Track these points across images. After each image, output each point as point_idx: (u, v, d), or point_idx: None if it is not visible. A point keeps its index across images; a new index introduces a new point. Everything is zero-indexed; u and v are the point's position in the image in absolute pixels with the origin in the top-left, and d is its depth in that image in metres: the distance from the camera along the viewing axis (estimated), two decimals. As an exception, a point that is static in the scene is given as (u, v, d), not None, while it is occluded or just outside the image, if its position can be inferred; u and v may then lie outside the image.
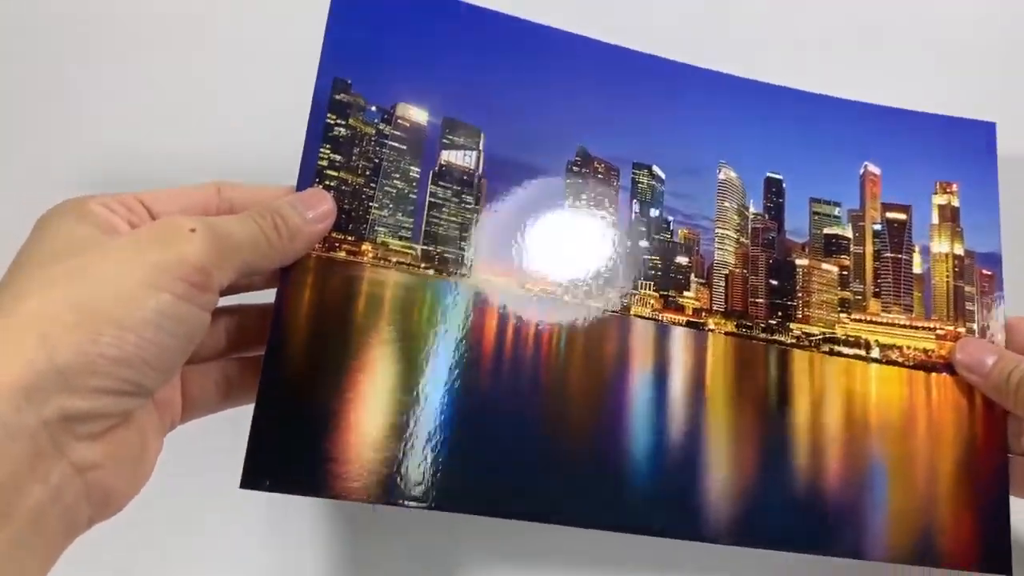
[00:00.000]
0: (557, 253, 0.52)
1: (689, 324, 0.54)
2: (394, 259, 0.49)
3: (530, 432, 0.49)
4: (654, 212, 0.56)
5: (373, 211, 0.49)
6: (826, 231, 0.59)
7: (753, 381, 0.54)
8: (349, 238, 0.48)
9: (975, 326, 0.58)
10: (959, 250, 0.59)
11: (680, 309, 0.55)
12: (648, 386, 0.52)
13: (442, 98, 0.52)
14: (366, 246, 0.49)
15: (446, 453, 0.46)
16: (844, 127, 0.59)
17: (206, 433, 0.47)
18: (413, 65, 0.52)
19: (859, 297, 0.58)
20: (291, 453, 0.44)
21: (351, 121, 0.50)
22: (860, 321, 0.57)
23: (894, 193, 0.59)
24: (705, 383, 0.53)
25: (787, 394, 0.54)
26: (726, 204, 0.56)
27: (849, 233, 0.59)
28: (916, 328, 0.58)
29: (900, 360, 0.57)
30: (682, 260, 0.56)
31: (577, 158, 0.54)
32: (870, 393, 0.56)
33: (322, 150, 0.48)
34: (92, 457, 0.35)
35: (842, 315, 0.57)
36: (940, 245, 0.59)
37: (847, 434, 0.54)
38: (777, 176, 0.58)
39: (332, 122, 0.49)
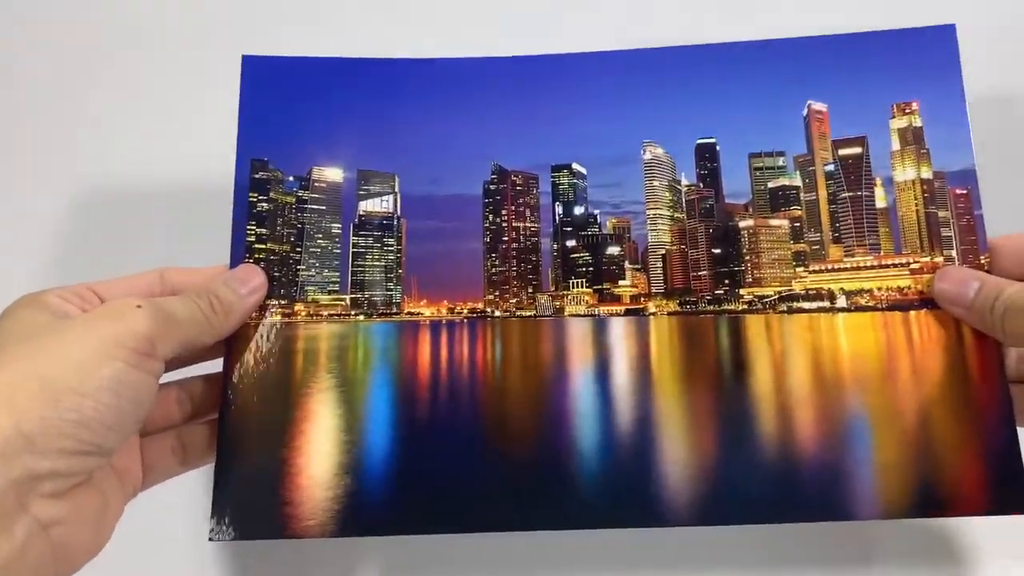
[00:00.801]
0: (481, 273, 0.55)
1: (628, 312, 0.54)
2: (326, 312, 0.54)
3: (473, 449, 0.51)
4: (578, 210, 0.56)
5: (301, 273, 0.54)
6: (771, 185, 0.56)
7: (703, 357, 0.53)
8: (282, 302, 0.53)
9: (954, 253, 0.53)
10: (927, 173, 0.54)
11: (616, 299, 0.55)
12: (590, 383, 0.52)
13: (354, 153, 0.56)
14: (299, 306, 0.53)
15: (392, 482, 0.50)
16: (777, 70, 0.56)
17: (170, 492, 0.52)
18: (323, 129, 0.56)
19: (816, 246, 0.55)
20: (251, 503, 0.49)
21: (272, 194, 0.55)
22: (820, 272, 0.54)
23: (845, 127, 0.56)
24: (651, 368, 0.52)
25: (743, 363, 0.52)
26: (655, 183, 0.56)
27: (798, 181, 0.56)
28: (886, 267, 0.54)
29: (871, 304, 0.53)
30: (613, 250, 0.56)
31: (493, 176, 0.56)
32: (840, 345, 0.53)
33: (249, 227, 0.54)
34: (56, 514, 0.40)
35: (799, 269, 0.54)
36: (904, 172, 0.55)
37: (817, 392, 0.51)
38: (709, 140, 0.56)
39: (255, 200, 0.54)
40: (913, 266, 0.53)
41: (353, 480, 0.50)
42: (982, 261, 0.52)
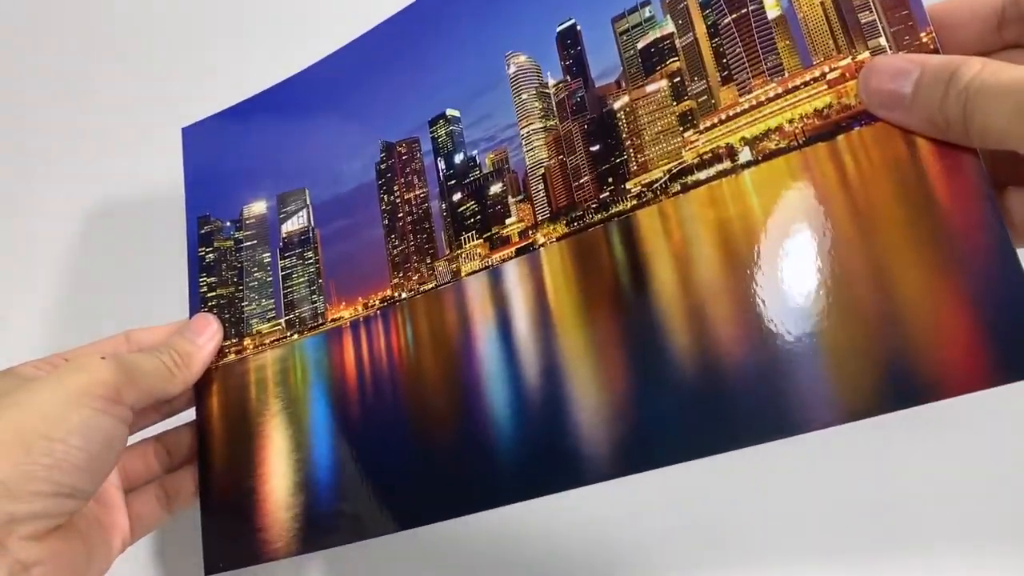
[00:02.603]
0: (384, 258, 0.52)
1: (519, 252, 0.47)
2: (268, 340, 0.55)
3: (401, 439, 0.48)
4: (458, 158, 0.50)
5: (245, 309, 0.56)
6: (640, 45, 0.44)
7: (599, 276, 0.44)
8: (234, 340, 0.56)
9: (883, 40, 0.37)
10: (823, -50, 0.39)
11: (506, 242, 0.48)
12: (494, 342, 0.46)
13: (271, 181, 0.57)
14: (247, 341, 0.56)
15: (338, 492, 0.49)
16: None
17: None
18: (246, 168, 0.58)
19: (704, 97, 0.42)
20: (232, 535, 0.52)
21: (216, 244, 0.58)
22: (713, 127, 0.41)
23: (714, -62, 0.42)
24: (549, 307, 0.45)
25: (641, 270, 0.42)
26: (523, 97, 0.48)
27: (670, 27, 0.44)
28: (796, 89, 0.40)
29: (784, 145, 0.39)
30: (496, 188, 0.49)
31: (382, 155, 0.53)
32: (752, 210, 0.40)
33: (201, 279, 0.58)
34: (36, 555, 0.41)
35: (688, 133, 0.42)
36: (795, -40, 0.40)
37: (733, 279, 0.39)
38: (568, 23, 0.47)
39: (203, 253, 0.58)
40: (831, 76, 0.39)
41: (307, 496, 0.50)
42: (924, 39, 0.37)
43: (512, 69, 0.48)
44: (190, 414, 0.56)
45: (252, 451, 0.53)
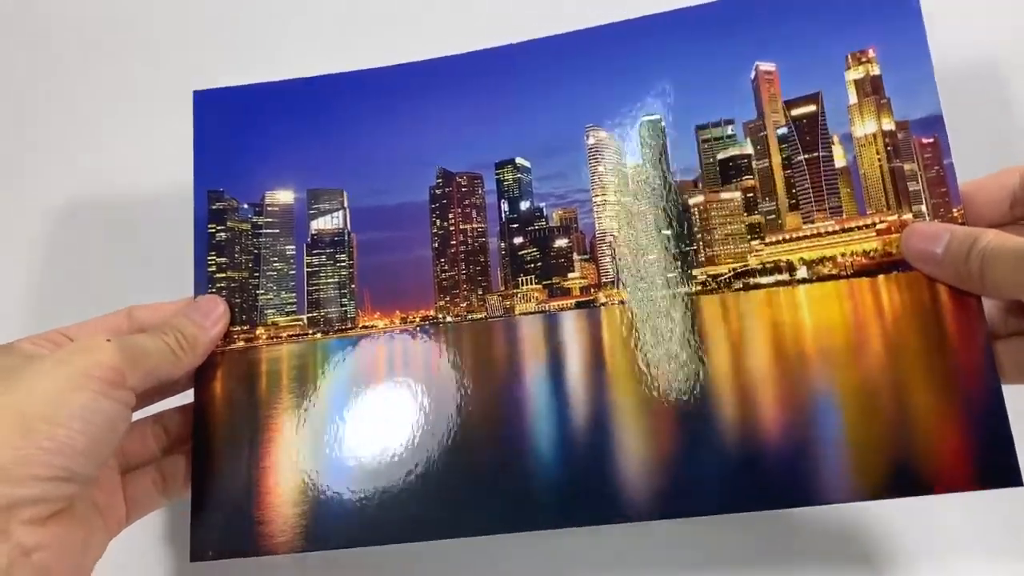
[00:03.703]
0: (431, 279, 0.54)
1: (579, 305, 0.53)
2: (285, 334, 0.55)
3: (431, 456, 0.51)
4: (524, 205, 0.55)
5: (260, 297, 0.56)
6: (720, 156, 0.53)
7: (657, 343, 0.51)
8: (244, 327, 0.55)
9: (924, 208, 0.49)
10: (888, 125, 0.50)
11: (566, 293, 0.53)
12: (544, 381, 0.51)
13: (303, 173, 0.57)
14: (260, 330, 0.55)
15: (354, 495, 0.51)
16: (720, 33, 0.53)
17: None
18: (272, 153, 0.57)
19: (772, 216, 0.52)
20: (225, 525, 0.51)
21: (229, 224, 0.56)
22: (778, 243, 0.51)
23: (797, 85, 0.52)
24: (604, 360, 0.51)
25: (698, 345, 0.50)
26: (600, 169, 0.54)
27: (749, 149, 0.53)
28: (850, 230, 0.50)
29: (835, 272, 0.50)
30: (561, 243, 0.54)
31: (438, 180, 0.56)
32: (802, 319, 0.50)
33: (209, 258, 0.56)
34: (37, 539, 0.40)
35: (754, 242, 0.51)
36: (864, 126, 0.51)
37: (779, 371, 0.48)
38: (653, 117, 0.54)
39: (213, 230, 0.56)
40: (879, 226, 0.49)
41: (317, 495, 0.51)
42: (956, 214, 0.48)
43: (592, 140, 0.54)
44: (189, 395, 0.54)
45: (258, 442, 0.53)
